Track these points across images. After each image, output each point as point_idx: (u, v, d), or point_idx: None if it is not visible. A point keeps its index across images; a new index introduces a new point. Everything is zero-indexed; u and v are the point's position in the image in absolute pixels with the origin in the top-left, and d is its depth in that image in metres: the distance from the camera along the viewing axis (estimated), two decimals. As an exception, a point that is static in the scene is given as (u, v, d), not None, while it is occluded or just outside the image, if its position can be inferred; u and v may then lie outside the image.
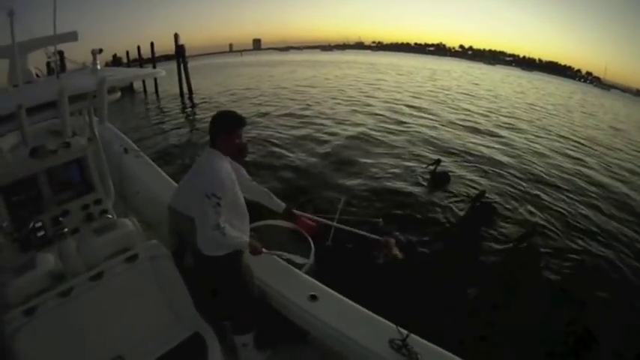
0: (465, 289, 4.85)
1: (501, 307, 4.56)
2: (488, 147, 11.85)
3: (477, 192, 7.46)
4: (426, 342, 2.13)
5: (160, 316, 2.29)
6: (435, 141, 11.94)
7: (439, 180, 8.22)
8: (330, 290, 2.59)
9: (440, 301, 4.47)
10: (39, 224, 2.69)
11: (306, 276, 2.80)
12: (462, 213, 6.90)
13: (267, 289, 2.66)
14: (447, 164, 9.38)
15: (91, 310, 2.06)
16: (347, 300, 2.50)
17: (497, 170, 9.49)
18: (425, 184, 8.17)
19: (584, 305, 4.73)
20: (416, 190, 7.83)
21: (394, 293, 4.38)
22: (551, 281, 5.13)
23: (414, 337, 2.12)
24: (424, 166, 8.82)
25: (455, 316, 4.24)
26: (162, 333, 2.22)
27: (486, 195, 7.26)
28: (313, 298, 2.48)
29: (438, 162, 8.40)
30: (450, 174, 8.53)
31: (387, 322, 2.28)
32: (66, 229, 2.34)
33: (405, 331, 2.13)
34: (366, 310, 2.39)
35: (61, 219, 2.77)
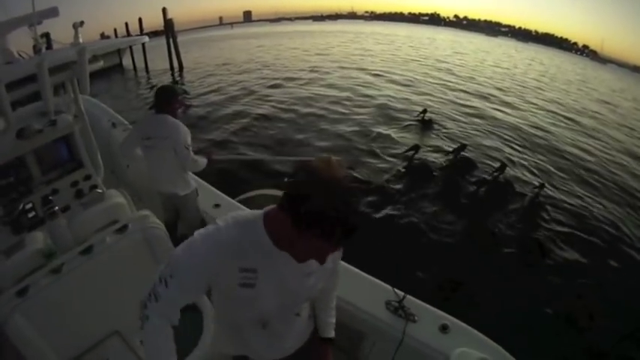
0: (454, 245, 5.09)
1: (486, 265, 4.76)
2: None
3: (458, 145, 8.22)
4: (421, 302, 2.14)
5: None
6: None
7: (427, 125, 10.25)
8: None
9: (430, 258, 4.69)
10: (29, 205, 2.70)
11: None
12: (445, 163, 7.67)
13: None
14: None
15: (85, 285, 2.03)
16: (342, 263, 2.52)
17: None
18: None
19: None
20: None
21: (389, 255, 4.49)
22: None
23: (410, 298, 2.13)
24: (415, 114, 10.74)
25: (445, 272, 4.43)
26: None
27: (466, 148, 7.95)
28: None
29: (425, 111, 10.59)
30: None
31: (383, 284, 2.28)
32: (56, 208, 2.35)
33: (401, 293, 2.15)
34: (362, 273, 2.38)
35: (51, 198, 2.77)
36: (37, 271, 1.95)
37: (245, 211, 1.20)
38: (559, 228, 6.01)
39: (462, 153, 7.96)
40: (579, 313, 4.08)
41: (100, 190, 2.89)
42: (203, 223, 2.99)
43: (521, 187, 7.15)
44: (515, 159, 8.74)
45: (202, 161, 3.03)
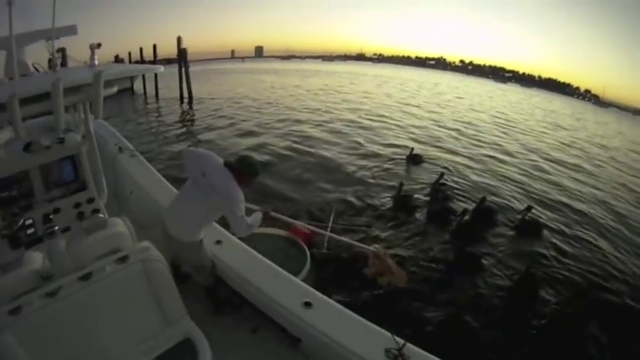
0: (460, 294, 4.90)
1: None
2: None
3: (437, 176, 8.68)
4: (422, 351, 2.13)
5: (150, 320, 2.23)
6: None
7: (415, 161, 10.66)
8: (325, 297, 2.56)
9: (432, 307, 4.52)
10: (29, 221, 2.64)
11: (301, 282, 2.76)
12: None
13: (260, 295, 2.63)
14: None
15: (80, 312, 1.98)
16: (342, 307, 2.48)
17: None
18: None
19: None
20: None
21: (389, 301, 4.39)
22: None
23: (410, 347, 2.12)
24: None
25: (447, 323, 4.25)
26: (152, 337, 2.17)
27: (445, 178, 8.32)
28: (307, 304, 2.45)
29: (412, 150, 10.98)
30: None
31: (382, 330, 2.27)
32: (56, 228, 2.26)
33: (401, 340, 2.14)
34: (362, 319, 2.38)
35: (51, 217, 2.73)
36: (33, 292, 1.89)
37: None
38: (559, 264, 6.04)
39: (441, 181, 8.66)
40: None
41: (102, 215, 2.82)
42: (213, 271, 2.91)
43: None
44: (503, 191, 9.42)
45: (257, 219, 2.92)
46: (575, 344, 4.30)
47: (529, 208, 7.40)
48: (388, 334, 2.22)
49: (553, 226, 7.61)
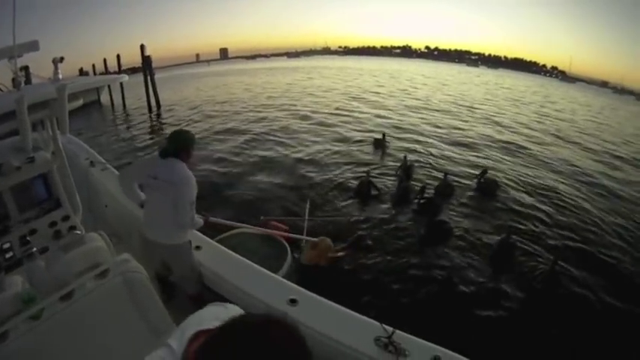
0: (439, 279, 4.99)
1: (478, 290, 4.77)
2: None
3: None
4: (411, 336, 2.13)
5: (137, 333, 2.19)
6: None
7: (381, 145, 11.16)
8: (309, 292, 2.55)
9: (422, 294, 4.60)
10: (7, 245, 2.61)
11: (284, 280, 2.75)
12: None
13: (245, 297, 2.60)
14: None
15: (65, 332, 1.94)
16: (327, 301, 2.48)
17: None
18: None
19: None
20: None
21: (375, 291, 4.49)
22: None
23: (400, 333, 2.12)
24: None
25: (436, 307, 4.36)
26: (141, 350, 2.13)
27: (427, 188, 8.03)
28: (293, 301, 2.43)
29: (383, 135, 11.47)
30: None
31: (371, 320, 2.27)
32: (34, 249, 2.23)
33: (390, 328, 2.14)
34: (348, 310, 2.37)
35: (28, 238, 2.69)
36: (16, 317, 1.85)
37: None
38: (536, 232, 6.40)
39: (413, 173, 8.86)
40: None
41: (78, 232, 2.79)
42: (200, 277, 2.89)
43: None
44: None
45: (199, 222, 2.91)
46: (553, 303, 4.62)
47: (484, 172, 8.22)
48: (377, 323, 2.22)
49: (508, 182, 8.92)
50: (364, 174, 7.86)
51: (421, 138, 13.03)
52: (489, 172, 8.49)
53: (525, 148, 12.96)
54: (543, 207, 7.61)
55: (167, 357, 0.97)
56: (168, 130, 14.54)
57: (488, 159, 11.09)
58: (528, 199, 7.97)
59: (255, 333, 0.74)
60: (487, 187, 8.08)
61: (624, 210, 8.06)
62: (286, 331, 0.78)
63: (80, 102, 3.44)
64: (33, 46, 3.19)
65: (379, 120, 16.14)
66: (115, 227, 3.76)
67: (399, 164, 9.04)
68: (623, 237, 6.68)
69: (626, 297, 4.81)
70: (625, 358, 3.88)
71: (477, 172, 8.59)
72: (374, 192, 7.56)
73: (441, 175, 8.37)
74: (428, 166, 9.92)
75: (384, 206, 7.08)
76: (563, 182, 9.53)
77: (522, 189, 8.62)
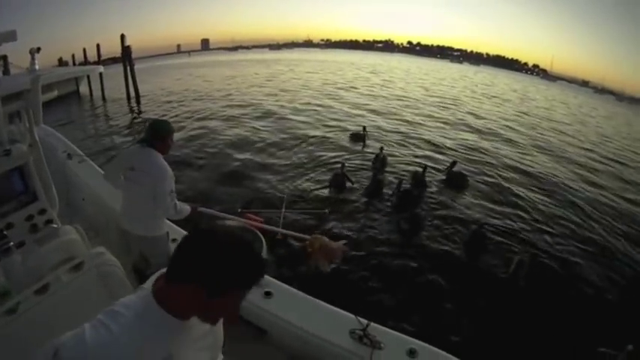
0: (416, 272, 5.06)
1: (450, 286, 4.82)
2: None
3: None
4: (386, 329, 2.15)
5: None
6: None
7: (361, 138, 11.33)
8: (284, 285, 2.55)
9: (396, 287, 4.66)
10: None
11: None
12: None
13: None
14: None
15: (42, 326, 1.86)
16: (302, 294, 2.48)
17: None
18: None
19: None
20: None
21: (350, 284, 4.54)
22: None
23: (375, 326, 2.14)
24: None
25: (411, 301, 4.41)
26: None
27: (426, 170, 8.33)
28: (268, 294, 2.43)
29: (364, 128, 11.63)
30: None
31: (345, 313, 2.28)
32: (11, 243, 2.22)
33: (365, 321, 2.16)
34: (323, 303, 2.37)
35: (5, 232, 2.62)
36: None
37: (125, 307, 1.00)
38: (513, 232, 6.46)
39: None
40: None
41: (55, 225, 2.78)
42: None
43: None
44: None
45: (185, 209, 2.90)
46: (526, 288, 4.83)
47: (454, 163, 8.52)
48: (352, 315, 2.24)
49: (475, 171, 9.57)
50: (339, 166, 7.94)
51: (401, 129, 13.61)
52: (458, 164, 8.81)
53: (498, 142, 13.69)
54: (514, 198, 8.04)
55: (140, 293, 1.03)
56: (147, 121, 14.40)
57: (456, 151, 11.45)
58: (498, 194, 8.30)
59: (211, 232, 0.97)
60: (455, 179, 8.40)
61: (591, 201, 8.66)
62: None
63: (55, 93, 3.40)
64: (10, 36, 3.12)
65: (356, 111, 16.51)
66: (92, 220, 3.75)
67: (375, 155, 9.20)
68: (592, 225, 7.22)
69: (592, 284, 5.17)
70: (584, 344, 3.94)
71: (447, 164, 8.84)
72: (348, 184, 7.66)
73: (414, 168, 8.75)
74: (402, 157, 10.30)
75: (358, 198, 7.20)
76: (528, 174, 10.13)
77: (492, 181, 9.02)
